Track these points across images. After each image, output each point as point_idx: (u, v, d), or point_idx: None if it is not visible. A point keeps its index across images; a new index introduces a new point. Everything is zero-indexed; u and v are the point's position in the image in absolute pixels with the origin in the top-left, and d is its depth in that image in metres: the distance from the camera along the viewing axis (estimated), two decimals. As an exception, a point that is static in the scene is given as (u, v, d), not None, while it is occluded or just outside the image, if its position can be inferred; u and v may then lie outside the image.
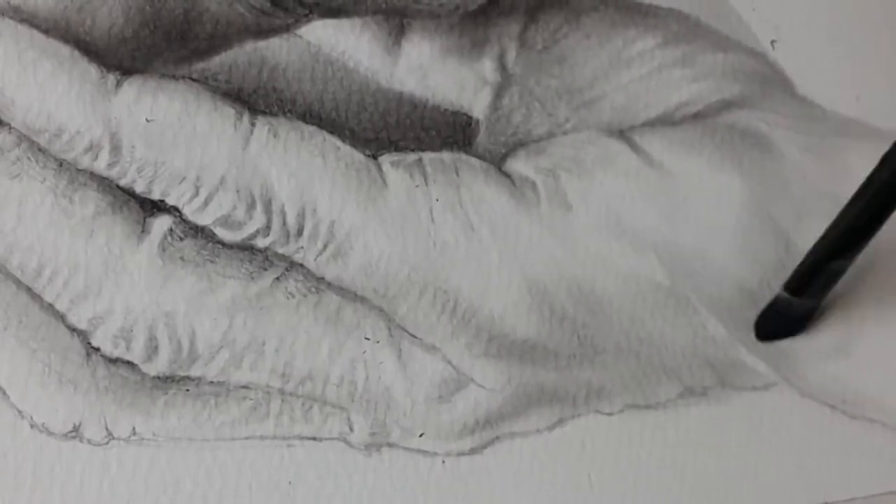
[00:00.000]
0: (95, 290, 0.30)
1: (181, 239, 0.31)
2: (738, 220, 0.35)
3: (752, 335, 0.36)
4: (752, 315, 0.36)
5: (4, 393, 0.30)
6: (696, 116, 0.37)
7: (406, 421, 0.33)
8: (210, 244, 0.31)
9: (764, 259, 0.36)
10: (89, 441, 0.30)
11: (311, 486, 0.32)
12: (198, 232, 0.31)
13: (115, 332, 0.30)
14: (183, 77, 0.32)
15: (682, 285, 0.34)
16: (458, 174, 0.33)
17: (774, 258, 0.36)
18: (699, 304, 0.35)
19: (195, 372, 0.31)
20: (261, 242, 0.31)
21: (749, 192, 0.35)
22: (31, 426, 0.30)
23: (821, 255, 0.34)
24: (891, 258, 0.37)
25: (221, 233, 0.31)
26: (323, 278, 0.32)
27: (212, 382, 0.31)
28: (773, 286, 0.36)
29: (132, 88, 0.30)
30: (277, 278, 0.32)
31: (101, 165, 0.30)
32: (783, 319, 0.36)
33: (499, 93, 0.36)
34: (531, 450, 0.34)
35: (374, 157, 0.33)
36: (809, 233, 0.36)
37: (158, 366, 0.31)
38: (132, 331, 0.30)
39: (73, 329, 0.30)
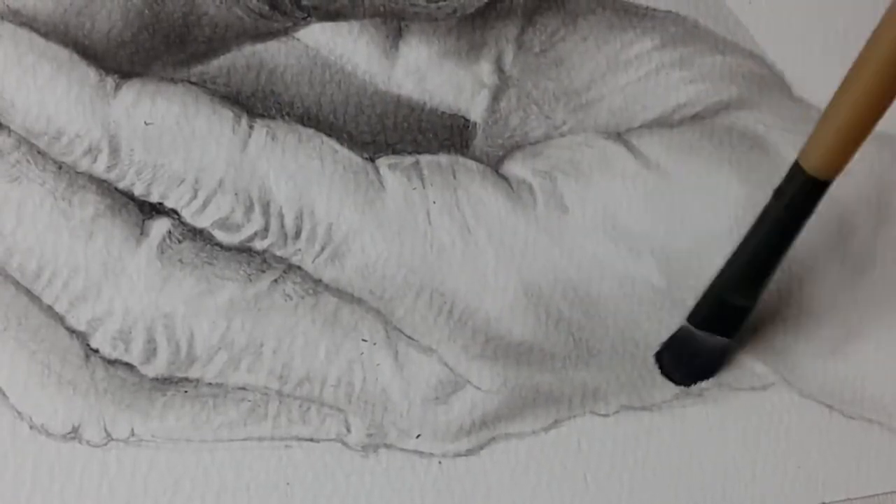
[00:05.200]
0: (94, 291, 0.30)
1: (180, 241, 0.31)
2: (736, 222, 0.35)
3: (749, 336, 0.36)
4: (751, 316, 0.36)
5: (4, 394, 0.30)
6: (694, 118, 0.37)
7: (403, 422, 0.33)
8: (208, 246, 0.31)
9: (762, 260, 0.36)
10: (88, 442, 0.30)
11: (309, 487, 0.32)
12: (196, 234, 0.31)
13: (113, 334, 0.31)
14: (181, 80, 0.32)
15: (678, 287, 0.34)
16: (455, 176, 0.33)
17: (773, 259, 0.36)
18: (696, 307, 0.35)
19: (193, 373, 0.31)
20: (259, 245, 0.32)
21: (747, 194, 0.35)
22: (31, 427, 0.30)
23: (720, 289, 0.34)
24: (888, 259, 0.37)
25: (219, 235, 0.31)
26: (320, 280, 0.32)
27: (210, 384, 0.31)
28: (770, 287, 0.36)
29: (131, 91, 0.31)
30: (275, 280, 0.32)
31: (99, 168, 0.30)
32: (692, 354, 0.36)
33: (496, 95, 0.36)
34: (527, 451, 0.34)
35: (372, 160, 0.33)
36: (807, 233, 0.36)
37: (157, 367, 0.31)
38: (131, 332, 0.31)
39: (72, 331, 0.30)
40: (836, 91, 0.30)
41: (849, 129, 0.30)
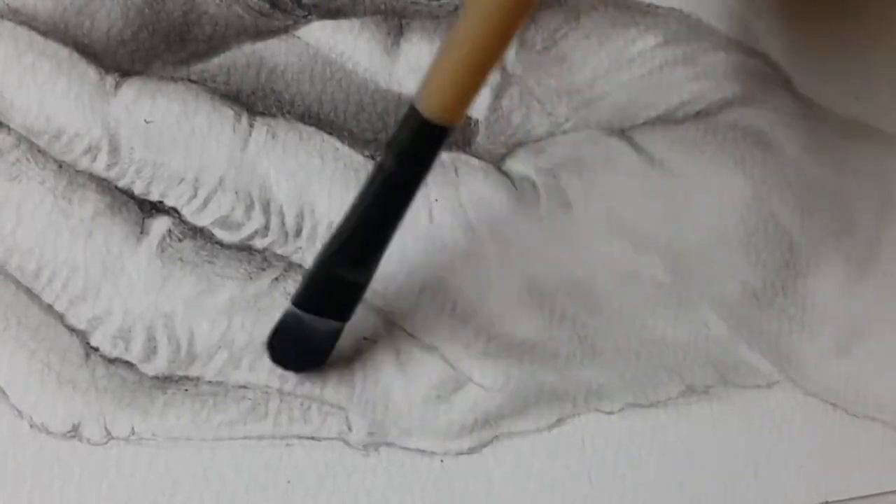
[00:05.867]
0: (94, 290, 0.30)
1: (180, 240, 0.31)
2: (741, 218, 0.35)
3: (754, 334, 0.36)
4: (756, 314, 0.36)
5: (4, 393, 0.30)
6: (698, 115, 0.37)
7: (404, 420, 0.33)
8: (209, 245, 0.31)
9: (767, 258, 0.36)
10: (88, 441, 0.30)
11: (310, 485, 0.32)
12: (196, 233, 0.31)
13: (113, 333, 0.31)
14: (182, 78, 0.32)
15: (683, 284, 0.34)
16: (457, 174, 0.33)
17: (778, 256, 0.36)
18: (701, 303, 0.35)
19: (194, 372, 0.31)
20: (259, 243, 0.32)
21: (751, 191, 0.35)
22: (31, 426, 0.30)
23: (329, 264, 0.30)
24: (892, 258, 0.37)
25: (220, 233, 0.31)
26: (321, 279, 0.32)
27: (210, 382, 0.31)
28: (776, 285, 0.36)
29: (131, 90, 0.31)
30: (276, 279, 0.32)
31: (99, 167, 0.30)
32: (300, 342, 0.31)
33: (498, 93, 0.36)
34: (530, 449, 0.34)
35: (373, 158, 0.33)
36: (812, 231, 0.36)
37: (157, 366, 0.31)
38: (131, 331, 0.31)
39: (72, 329, 0.30)
40: (450, 31, 0.27)
41: (465, 70, 0.27)
